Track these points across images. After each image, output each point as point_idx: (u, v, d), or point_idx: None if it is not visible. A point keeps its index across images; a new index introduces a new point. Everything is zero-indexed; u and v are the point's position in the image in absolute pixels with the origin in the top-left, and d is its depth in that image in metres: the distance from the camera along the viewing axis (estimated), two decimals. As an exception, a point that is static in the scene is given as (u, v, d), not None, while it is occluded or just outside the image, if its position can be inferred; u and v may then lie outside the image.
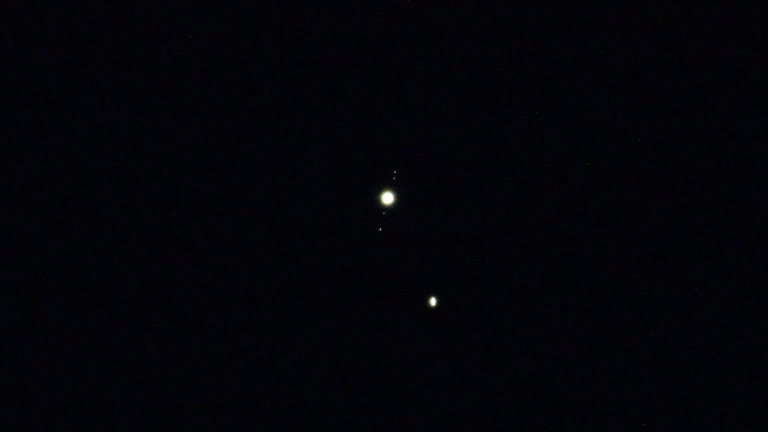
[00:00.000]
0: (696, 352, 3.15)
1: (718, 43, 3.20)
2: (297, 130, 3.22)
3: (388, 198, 3.21)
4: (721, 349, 3.14)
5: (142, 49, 3.19)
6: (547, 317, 3.20)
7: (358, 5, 3.22)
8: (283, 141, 3.21)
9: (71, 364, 3.09)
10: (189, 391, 3.11)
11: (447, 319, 3.20)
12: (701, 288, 3.18)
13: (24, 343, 3.08)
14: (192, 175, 3.18)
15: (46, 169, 3.15)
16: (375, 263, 3.20)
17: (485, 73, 3.24)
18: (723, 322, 3.16)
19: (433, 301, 3.20)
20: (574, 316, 3.19)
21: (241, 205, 3.19)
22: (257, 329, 3.16)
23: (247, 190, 3.20)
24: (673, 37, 3.22)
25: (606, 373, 3.16)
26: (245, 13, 3.22)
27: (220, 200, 3.19)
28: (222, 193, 3.19)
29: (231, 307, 3.16)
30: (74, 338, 3.10)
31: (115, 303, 3.13)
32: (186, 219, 3.17)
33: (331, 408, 3.14)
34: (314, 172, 3.21)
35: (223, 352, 3.14)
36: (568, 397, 3.15)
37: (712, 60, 3.21)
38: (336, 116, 3.22)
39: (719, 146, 3.21)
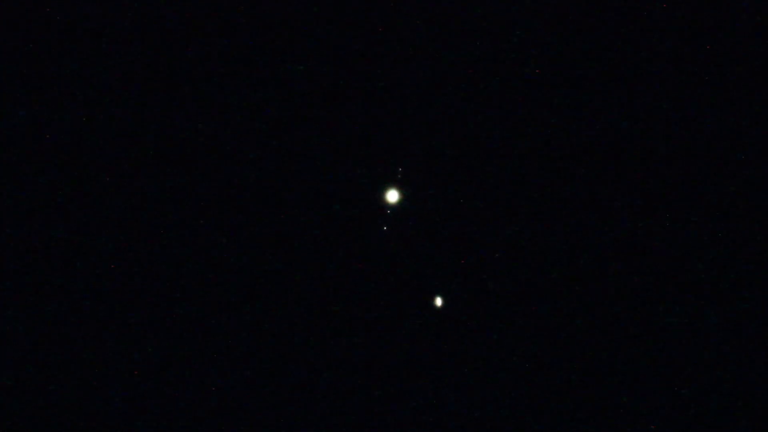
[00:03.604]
0: (696, 352, 3.15)
1: (717, 43, 3.20)
2: (301, 128, 3.22)
3: (392, 196, 3.21)
4: (721, 349, 3.14)
5: (141, 48, 3.20)
6: (553, 317, 3.19)
7: (358, 5, 3.23)
8: (287, 139, 3.22)
9: (71, 364, 3.09)
10: (189, 391, 3.11)
11: (452, 319, 3.20)
12: (702, 288, 3.17)
13: (24, 343, 3.09)
14: (193, 175, 3.19)
15: (46, 169, 3.16)
16: (379, 262, 3.20)
17: (490, 72, 3.24)
18: (723, 321, 3.15)
19: (438, 301, 3.19)
20: (580, 316, 3.19)
21: (244, 204, 3.19)
22: (260, 329, 3.16)
23: (250, 188, 3.20)
24: (673, 36, 3.22)
25: (611, 374, 3.15)
26: (245, 13, 3.22)
27: (223, 199, 3.19)
28: (225, 191, 3.19)
29: (234, 307, 3.16)
30: (74, 338, 3.11)
31: (115, 303, 3.13)
32: (188, 219, 3.18)
33: (335, 409, 3.13)
34: (318, 170, 3.21)
35: (225, 352, 3.14)
36: (573, 397, 3.15)
37: (712, 60, 3.21)
38: (340, 114, 3.22)
39: (719, 146, 3.20)
